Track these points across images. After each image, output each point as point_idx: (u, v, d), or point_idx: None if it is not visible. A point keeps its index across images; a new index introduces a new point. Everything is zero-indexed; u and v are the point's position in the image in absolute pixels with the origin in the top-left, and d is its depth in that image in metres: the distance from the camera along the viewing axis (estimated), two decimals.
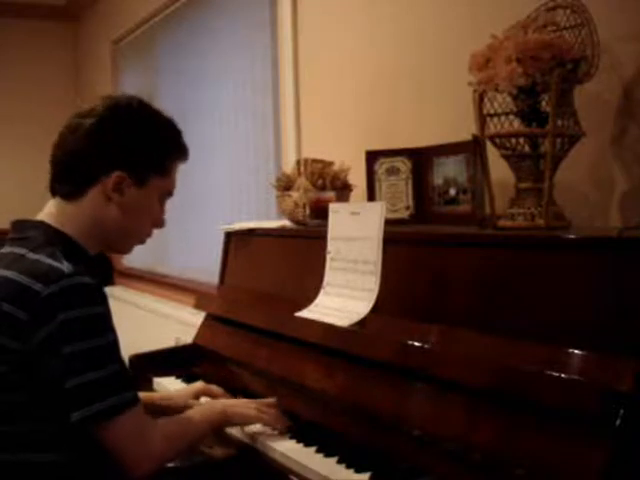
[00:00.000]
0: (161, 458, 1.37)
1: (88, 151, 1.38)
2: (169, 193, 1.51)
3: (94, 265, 1.40)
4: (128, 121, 1.42)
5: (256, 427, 1.57)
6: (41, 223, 1.39)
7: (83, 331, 1.25)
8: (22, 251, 1.32)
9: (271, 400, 1.61)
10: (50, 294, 1.23)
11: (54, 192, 1.44)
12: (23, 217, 1.43)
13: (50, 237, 1.35)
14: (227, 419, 1.54)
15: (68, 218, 1.40)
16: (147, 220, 1.48)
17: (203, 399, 1.74)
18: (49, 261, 1.28)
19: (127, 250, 1.54)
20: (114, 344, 1.30)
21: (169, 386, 1.99)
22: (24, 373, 1.24)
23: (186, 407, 1.63)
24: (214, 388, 1.76)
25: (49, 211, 1.42)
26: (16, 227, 1.41)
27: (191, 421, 1.48)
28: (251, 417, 1.55)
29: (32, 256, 1.30)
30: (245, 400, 1.64)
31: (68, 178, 1.41)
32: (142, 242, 1.52)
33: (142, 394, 1.75)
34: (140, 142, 1.42)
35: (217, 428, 1.55)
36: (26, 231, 1.37)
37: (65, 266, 1.27)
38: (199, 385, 1.79)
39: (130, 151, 1.40)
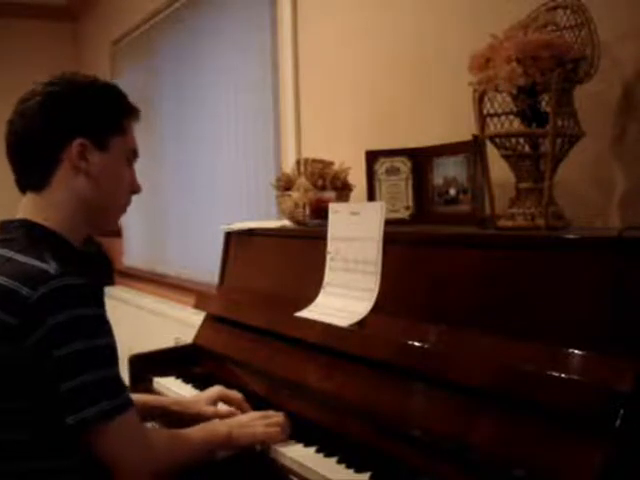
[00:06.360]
0: (150, 468, 1.32)
1: (43, 128, 1.37)
2: (134, 153, 1.49)
3: (83, 260, 1.38)
4: (73, 90, 1.40)
5: None
6: (24, 221, 1.37)
7: (72, 333, 1.22)
8: (8, 253, 1.31)
9: (279, 414, 1.55)
10: (38, 298, 1.21)
11: (23, 188, 1.42)
12: (9, 217, 1.40)
13: (35, 236, 1.34)
14: (233, 442, 1.46)
15: (46, 210, 1.37)
16: (121, 186, 1.46)
17: (220, 405, 1.67)
18: (36, 263, 1.26)
19: (113, 224, 1.50)
20: (106, 347, 1.27)
21: (169, 386, 1.98)
22: (19, 379, 1.23)
23: (200, 414, 1.60)
24: (232, 394, 1.69)
25: (26, 209, 1.39)
26: (3, 228, 1.39)
27: (190, 439, 1.43)
28: (259, 435, 1.48)
29: (19, 258, 1.29)
30: (252, 416, 1.55)
31: (31, 165, 1.39)
32: (124, 211, 1.50)
33: (154, 398, 1.73)
34: (91, 106, 1.40)
35: (220, 450, 1.48)
36: (12, 231, 1.36)
37: (52, 267, 1.24)
38: (216, 390, 1.70)
39: (83, 117, 1.39)
